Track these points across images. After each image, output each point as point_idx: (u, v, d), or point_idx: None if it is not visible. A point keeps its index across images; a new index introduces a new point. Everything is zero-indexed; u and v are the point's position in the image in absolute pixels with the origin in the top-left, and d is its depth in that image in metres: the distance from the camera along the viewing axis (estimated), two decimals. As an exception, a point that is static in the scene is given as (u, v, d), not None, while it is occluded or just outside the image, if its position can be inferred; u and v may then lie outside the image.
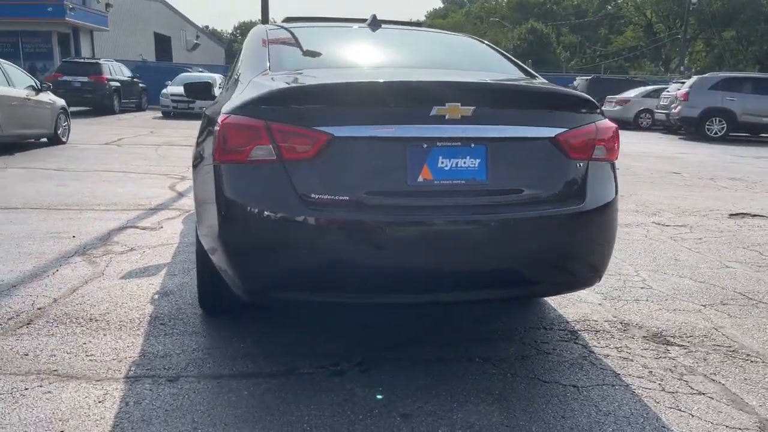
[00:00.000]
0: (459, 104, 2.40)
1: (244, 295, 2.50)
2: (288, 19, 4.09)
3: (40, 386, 2.55)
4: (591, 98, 2.74)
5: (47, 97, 11.48)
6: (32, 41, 28.23)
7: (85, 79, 20.09)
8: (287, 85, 2.50)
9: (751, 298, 3.82)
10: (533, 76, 3.19)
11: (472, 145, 2.47)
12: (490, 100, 2.52)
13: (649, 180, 9.08)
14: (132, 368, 2.72)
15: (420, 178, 2.42)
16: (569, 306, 3.61)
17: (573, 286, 2.80)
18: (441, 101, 2.39)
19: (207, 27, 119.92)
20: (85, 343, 2.97)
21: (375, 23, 3.65)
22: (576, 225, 2.58)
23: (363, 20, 3.74)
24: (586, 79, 24.86)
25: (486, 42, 3.76)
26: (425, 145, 2.43)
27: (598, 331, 3.25)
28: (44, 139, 11.71)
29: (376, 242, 2.36)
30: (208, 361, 2.81)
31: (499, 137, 2.50)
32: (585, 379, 2.72)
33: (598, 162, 2.70)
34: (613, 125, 2.80)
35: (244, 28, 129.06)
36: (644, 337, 3.20)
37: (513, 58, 3.46)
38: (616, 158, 2.85)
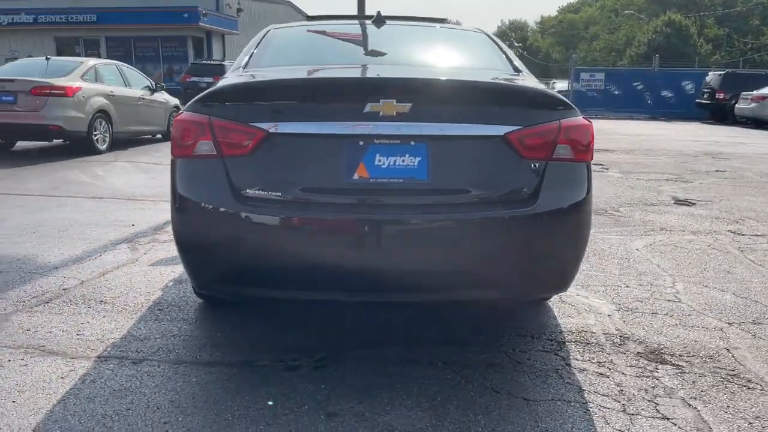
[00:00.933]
0: (394, 101, 2.35)
1: (195, 288, 2.59)
2: (309, 18, 4.16)
3: (22, 359, 2.79)
4: (555, 94, 2.57)
5: (161, 96, 12.42)
6: (170, 45, 30.55)
7: (210, 79, 21.47)
8: (229, 83, 2.56)
9: (794, 319, 3.41)
10: (518, 71, 3.03)
11: (412, 143, 2.41)
12: (430, 96, 2.44)
13: (755, 185, 8.28)
14: (108, 349, 2.91)
15: (356, 176, 2.39)
16: (574, 315, 3.41)
17: (528, 293, 2.64)
18: (375, 98, 2.35)
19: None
20: (82, 323, 3.21)
21: (379, 20, 3.63)
22: (525, 228, 2.44)
23: (374, 17, 3.73)
24: (719, 74, 22.97)
25: (491, 36, 3.62)
26: (361, 143, 2.40)
27: (589, 344, 3.05)
28: (159, 136, 12.67)
29: (308, 240, 2.37)
30: (178, 347, 2.94)
31: (442, 135, 2.41)
32: (541, 392, 2.56)
33: (562, 162, 2.53)
34: (585, 123, 2.61)
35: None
36: (639, 353, 2.95)
37: (508, 53, 3.31)
38: (591, 159, 2.66)
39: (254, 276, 2.45)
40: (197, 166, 2.48)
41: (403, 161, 2.40)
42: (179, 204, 2.51)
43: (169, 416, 2.33)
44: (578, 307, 3.54)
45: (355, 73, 2.75)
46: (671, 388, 2.62)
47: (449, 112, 2.43)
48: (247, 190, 2.41)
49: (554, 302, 3.59)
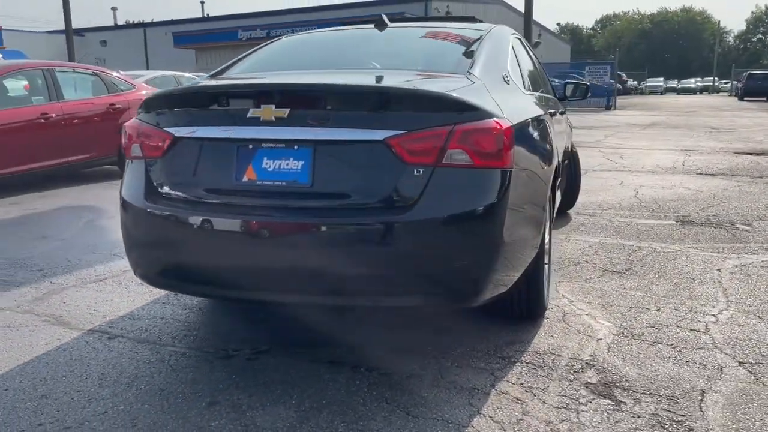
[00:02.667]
0: (273, 107, 2.42)
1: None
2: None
3: (36, 325, 3.34)
4: (453, 98, 2.42)
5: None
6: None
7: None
8: (152, 93, 2.80)
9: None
10: (468, 74, 2.85)
11: (296, 147, 2.45)
12: (311, 102, 2.45)
13: None
14: (102, 324, 3.35)
15: (245, 178, 2.51)
16: (557, 336, 3.13)
17: (420, 302, 2.51)
18: (257, 104, 2.44)
19: (560, 24, 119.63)
20: (106, 301, 3.71)
21: (381, 24, 3.64)
22: (398, 236, 2.34)
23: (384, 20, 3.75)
24: None
25: (495, 35, 3.41)
26: (251, 146, 2.50)
27: (541, 367, 2.79)
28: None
29: (201, 238, 2.53)
30: (154, 329, 3.28)
31: (325, 140, 2.42)
32: (432, 410, 2.43)
33: (455, 168, 2.38)
34: (493, 128, 2.41)
35: (605, 22, 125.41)
36: (588, 383, 2.64)
37: (490, 55, 3.12)
38: (504, 165, 2.45)
39: (166, 271, 2.68)
40: (131, 167, 2.78)
41: (287, 165, 2.46)
42: (120, 200, 2.83)
43: (87, 386, 2.65)
44: (574, 326, 3.23)
45: (271, 79, 2.84)
46: (583, 424, 2.33)
47: (333, 117, 2.43)
48: (161, 190, 2.65)
49: (553, 319, 3.31)
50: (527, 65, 4.05)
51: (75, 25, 21.63)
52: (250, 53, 3.55)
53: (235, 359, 2.90)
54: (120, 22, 52.30)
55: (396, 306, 2.65)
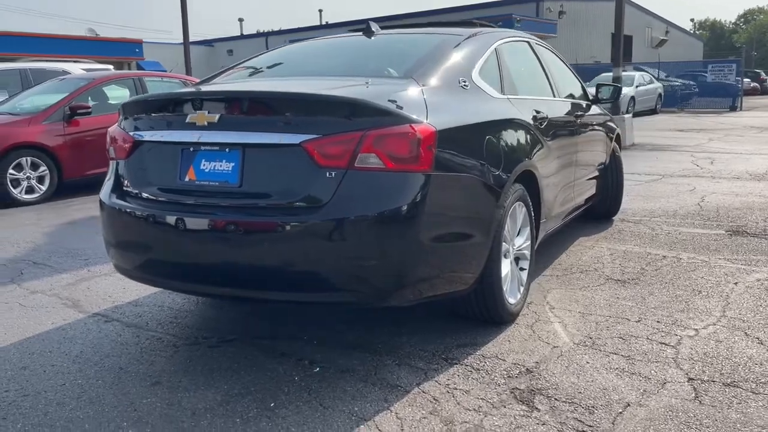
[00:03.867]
0: (206, 112, 2.63)
1: None
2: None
3: (53, 307, 3.78)
4: (366, 103, 2.51)
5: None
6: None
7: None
8: (129, 99, 3.09)
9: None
10: (405, 77, 2.91)
11: (227, 150, 2.65)
12: (236, 107, 2.62)
13: None
14: (107, 309, 3.72)
15: (187, 178, 2.74)
16: (515, 340, 3.11)
17: (329, 297, 2.60)
18: (194, 110, 2.66)
19: (694, 20, 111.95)
20: (122, 288, 4.10)
21: (368, 31, 3.76)
22: (309, 236, 2.46)
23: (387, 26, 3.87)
24: None
25: (473, 41, 3.44)
26: (192, 149, 2.73)
27: (477, 371, 2.80)
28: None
29: (151, 234, 2.79)
30: (148, 315, 3.60)
31: (252, 143, 2.60)
32: (340, 402, 2.54)
33: (368, 172, 2.47)
34: (407, 132, 2.48)
35: (748, 17, 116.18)
36: (515, 389, 2.63)
37: (440, 58, 3.16)
38: (421, 168, 2.52)
39: (130, 264, 2.95)
40: (110, 168, 3.10)
41: (220, 166, 2.66)
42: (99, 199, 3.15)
43: (63, 361, 3.00)
44: (538, 333, 3.20)
45: (211, 87, 3.07)
46: (483, 427, 2.34)
47: (258, 121, 2.59)
48: (126, 189, 2.94)
49: (522, 324, 3.30)
50: (521, 70, 4.01)
51: (208, 36, 23.13)
52: (240, 62, 3.80)
53: (200, 346, 3.14)
54: (246, 32, 55.36)
55: (312, 302, 2.77)
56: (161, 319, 3.53)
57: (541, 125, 3.68)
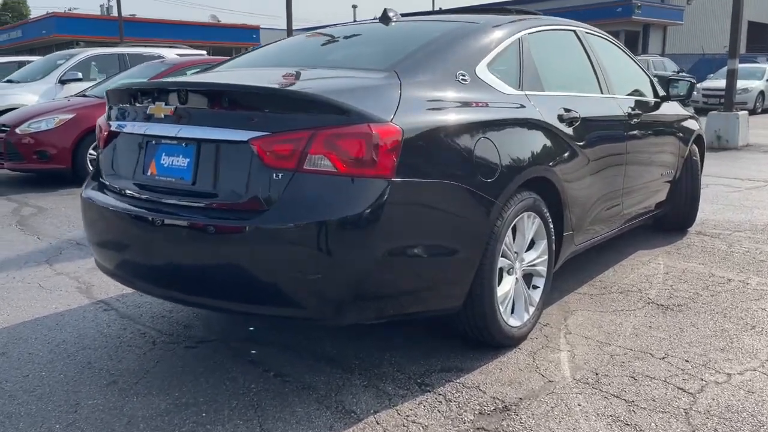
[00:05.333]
0: (163, 104, 2.48)
1: None
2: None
3: (66, 291, 3.83)
4: (318, 98, 2.25)
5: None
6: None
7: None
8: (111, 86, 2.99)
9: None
10: (387, 72, 2.61)
11: (184, 145, 2.49)
12: (192, 100, 2.43)
13: None
14: (112, 297, 3.72)
15: (149, 172, 2.61)
16: (509, 371, 2.77)
17: (265, 309, 2.37)
18: (153, 101, 2.52)
19: None
20: (138, 276, 4.10)
21: (385, 18, 3.47)
22: (249, 241, 2.25)
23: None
24: None
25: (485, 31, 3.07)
26: (154, 142, 2.60)
27: (449, 402, 2.49)
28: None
29: (113, 229, 2.69)
30: (146, 308, 3.55)
31: (205, 138, 2.42)
32: (282, 424, 2.33)
33: (317, 175, 2.23)
34: (364, 132, 2.21)
35: None
36: (480, 428, 2.32)
37: (437, 49, 2.82)
38: (374, 174, 2.24)
39: (100, 259, 2.87)
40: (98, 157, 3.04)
41: (177, 162, 2.50)
42: None
43: (42, 350, 2.99)
44: (539, 363, 2.83)
45: (186, 78, 2.89)
46: (418, 474, 2.06)
47: (215, 116, 2.40)
48: (101, 181, 2.86)
49: (524, 350, 2.94)
50: (555, 62, 3.57)
51: (322, 22, 23.47)
52: (247, 51, 3.64)
53: (176, 346, 3.04)
54: (359, 19, 55.87)
55: (261, 315, 2.56)
56: (157, 312, 3.46)
57: (571, 125, 3.25)
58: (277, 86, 2.41)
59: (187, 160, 2.47)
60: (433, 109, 2.52)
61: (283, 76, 2.76)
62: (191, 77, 3.08)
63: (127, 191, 2.68)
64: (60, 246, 4.89)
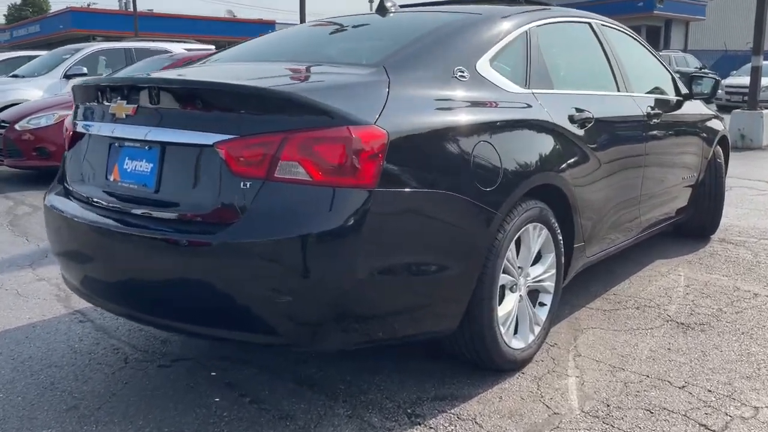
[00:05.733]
0: (124, 102, 2.23)
1: None
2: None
3: (45, 299, 3.61)
4: (291, 96, 1.99)
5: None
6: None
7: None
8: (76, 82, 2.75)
9: None
10: (373, 68, 2.34)
11: (147, 148, 2.24)
12: (153, 98, 2.18)
13: None
14: (92, 307, 3.48)
15: (111, 178, 2.37)
16: (510, 400, 2.50)
17: (232, 334, 2.12)
18: (114, 99, 2.28)
19: None
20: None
21: (382, 9, 3.20)
22: (209, 258, 2.00)
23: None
24: None
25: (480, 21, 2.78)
26: (117, 144, 2.36)
27: (432, 429, 2.24)
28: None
29: (75, 238, 2.45)
30: (123, 320, 3.32)
31: (169, 141, 2.18)
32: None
33: (288, 184, 1.97)
34: (341, 135, 1.95)
35: None
36: (473, 471, 2.06)
37: (432, 42, 2.54)
38: (353, 183, 1.97)
39: (63, 270, 2.63)
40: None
41: (140, 167, 2.25)
42: None
43: (4, 366, 2.77)
44: (543, 391, 2.55)
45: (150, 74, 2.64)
46: None
47: (178, 116, 2.15)
48: (68, 185, 2.63)
49: (528, 376, 2.67)
50: (566, 58, 3.28)
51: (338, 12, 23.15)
52: (248, 42, 3.38)
53: (149, 364, 2.80)
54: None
55: (220, 339, 2.31)
56: (135, 324, 3.22)
57: (583, 127, 2.96)
58: (247, 83, 2.15)
59: (150, 165, 2.22)
60: (426, 109, 2.25)
61: (262, 71, 2.51)
62: (158, 73, 2.83)
63: (91, 198, 2.44)
64: (46, 249, 4.68)
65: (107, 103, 2.36)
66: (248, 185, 1.98)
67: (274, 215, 1.96)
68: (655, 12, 27.79)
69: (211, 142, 2.02)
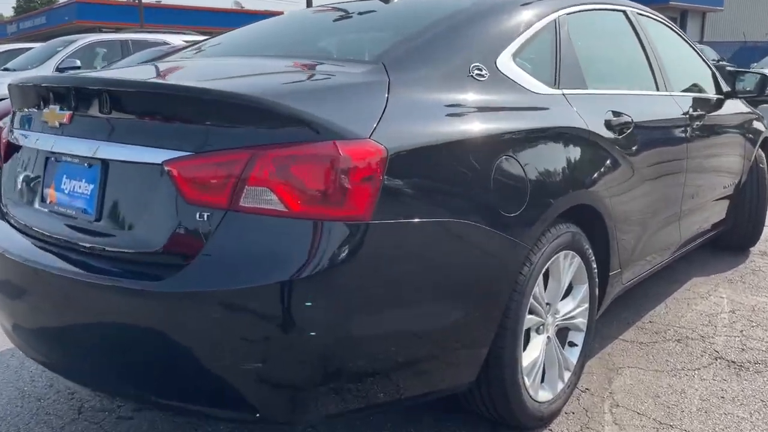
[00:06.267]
0: (57, 107, 1.79)
1: None
2: None
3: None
4: (261, 101, 1.53)
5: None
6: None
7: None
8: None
9: None
10: (368, 64, 1.89)
11: (87, 165, 1.80)
12: (92, 104, 1.73)
13: None
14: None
15: (48, 200, 1.93)
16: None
17: (215, 412, 1.68)
18: (47, 103, 1.83)
19: None
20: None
21: (384, -6, 2.74)
22: (153, 312, 1.56)
23: None
24: None
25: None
26: (55, 159, 1.91)
27: None
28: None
29: (4, 274, 2.00)
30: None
31: (112, 159, 1.73)
32: None
33: (257, 215, 1.52)
34: (327, 153, 1.50)
35: None
36: None
37: (441, 34, 2.08)
38: (341, 214, 1.52)
39: None
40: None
41: (80, 188, 1.81)
42: None
43: None
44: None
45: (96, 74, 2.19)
46: None
47: (122, 126, 1.71)
48: (2, 206, 2.19)
49: (551, 435, 2.22)
50: (600, 51, 2.81)
51: None
52: (237, 31, 2.92)
53: (108, 415, 2.38)
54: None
55: (170, 409, 1.86)
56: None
57: (621, 134, 2.50)
58: (205, 85, 1.68)
59: (91, 186, 1.77)
60: (435, 117, 1.79)
61: (234, 69, 2.06)
62: (104, 71, 2.37)
63: (24, 223, 2.00)
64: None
65: (40, 111, 1.91)
66: (206, 216, 1.53)
67: (238, 256, 1.51)
68: (671, 2, 27.04)
69: (159, 161, 1.57)
